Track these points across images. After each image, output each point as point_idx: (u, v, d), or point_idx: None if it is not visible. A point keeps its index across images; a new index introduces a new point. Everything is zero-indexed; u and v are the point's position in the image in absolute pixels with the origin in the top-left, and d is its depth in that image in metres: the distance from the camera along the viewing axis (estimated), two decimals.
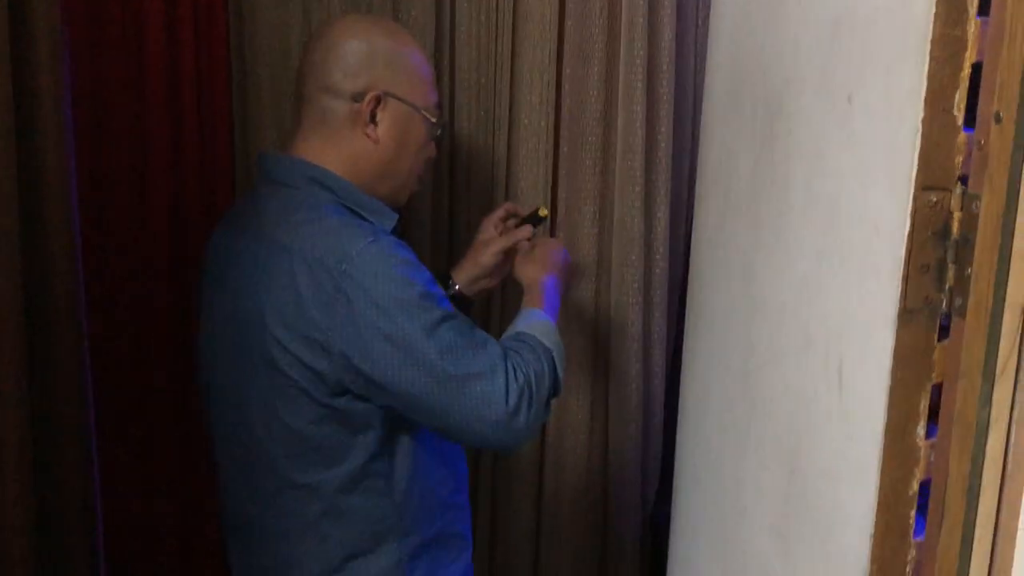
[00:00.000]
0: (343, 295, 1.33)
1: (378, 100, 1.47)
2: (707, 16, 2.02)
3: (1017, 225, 0.89)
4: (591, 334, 2.12)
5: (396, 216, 1.51)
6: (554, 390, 1.48)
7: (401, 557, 1.49)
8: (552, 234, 2.08)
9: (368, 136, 1.48)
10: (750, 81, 1.46)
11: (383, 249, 1.36)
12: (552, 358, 1.48)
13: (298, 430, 1.41)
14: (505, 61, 1.98)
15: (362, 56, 1.47)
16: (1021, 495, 0.92)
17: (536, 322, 1.53)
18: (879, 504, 1.03)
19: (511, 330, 1.53)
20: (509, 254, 1.77)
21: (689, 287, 1.77)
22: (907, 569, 1.04)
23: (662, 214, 2.10)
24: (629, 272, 2.07)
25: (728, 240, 1.53)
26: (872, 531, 1.04)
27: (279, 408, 1.40)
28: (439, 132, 1.59)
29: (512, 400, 1.37)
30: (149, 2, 1.84)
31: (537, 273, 1.68)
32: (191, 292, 1.85)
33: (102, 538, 1.72)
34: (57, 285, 1.57)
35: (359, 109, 1.47)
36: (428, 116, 1.54)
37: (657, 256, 2.10)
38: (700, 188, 1.72)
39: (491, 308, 2.10)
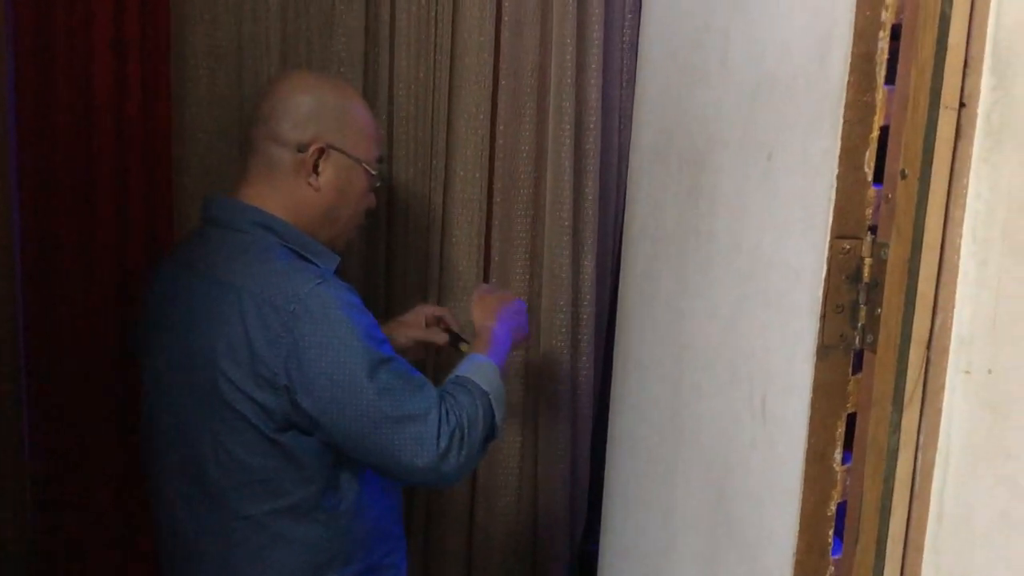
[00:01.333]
0: (290, 334, 1.38)
1: (321, 152, 1.54)
2: (631, 77, 2.14)
3: (921, 270, 0.98)
4: (522, 376, 2.19)
5: (338, 258, 1.58)
6: (491, 432, 1.53)
7: None
8: (486, 280, 2.15)
9: (310, 185, 1.54)
10: (676, 139, 1.56)
11: (330, 292, 1.42)
12: (489, 401, 1.53)
13: (246, 463, 1.45)
14: (442, 116, 2.06)
15: (309, 109, 1.55)
16: (927, 513, 1.00)
17: (477, 366, 1.59)
18: (800, 525, 1.12)
19: (453, 373, 1.59)
20: (418, 345, 1.87)
21: (617, 330, 1.85)
22: None
23: (589, 262, 2.18)
24: (558, 317, 2.15)
25: (655, 286, 1.62)
26: (794, 551, 1.13)
27: (228, 442, 1.44)
28: (379, 184, 1.67)
29: (443, 443, 1.42)
30: (96, 28, 1.88)
31: (489, 319, 1.75)
32: (130, 312, 1.89)
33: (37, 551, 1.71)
34: None
35: (303, 159, 1.53)
36: (369, 169, 1.61)
37: (584, 302, 2.19)
38: (628, 238, 1.81)
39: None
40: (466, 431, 1.46)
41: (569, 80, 2.08)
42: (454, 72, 2.05)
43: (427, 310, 1.90)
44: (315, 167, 1.54)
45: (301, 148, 1.53)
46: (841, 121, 1.05)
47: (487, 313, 1.78)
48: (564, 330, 2.17)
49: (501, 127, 2.09)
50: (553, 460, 2.20)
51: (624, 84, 2.20)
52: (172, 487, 1.56)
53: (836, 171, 1.05)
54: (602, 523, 1.90)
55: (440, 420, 1.43)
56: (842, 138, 1.05)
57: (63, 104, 1.88)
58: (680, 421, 1.48)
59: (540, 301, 2.18)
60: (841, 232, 1.06)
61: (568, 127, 2.10)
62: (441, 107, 2.06)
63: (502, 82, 2.08)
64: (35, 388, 1.90)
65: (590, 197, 2.16)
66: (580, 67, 2.10)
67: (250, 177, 1.56)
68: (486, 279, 2.15)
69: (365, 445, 1.42)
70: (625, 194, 1.91)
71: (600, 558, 1.92)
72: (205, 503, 1.50)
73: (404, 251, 2.11)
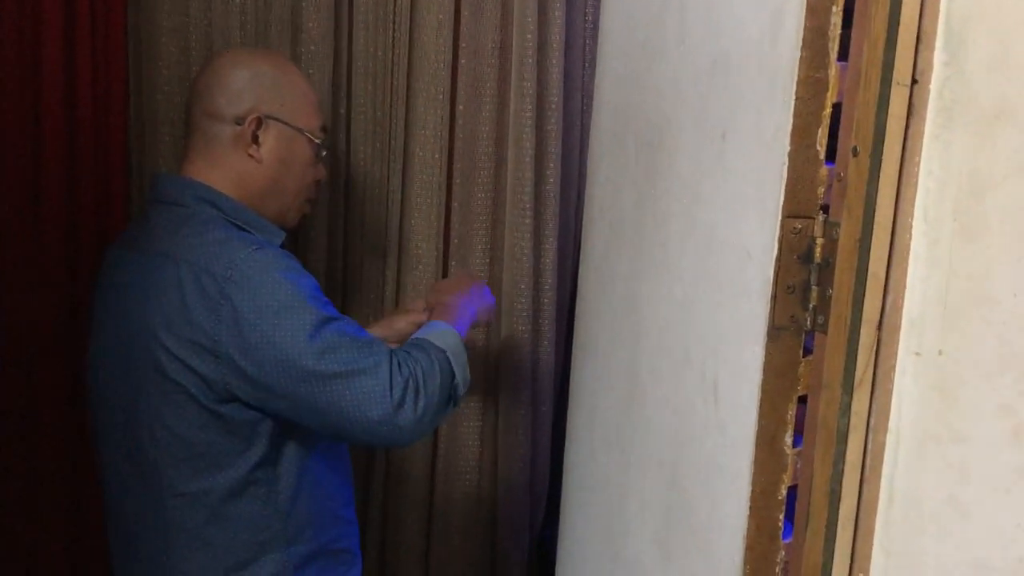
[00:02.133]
0: (228, 300, 1.37)
1: (259, 122, 1.54)
2: (594, 56, 2.12)
3: (872, 250, 0.97)
4: (482, 361, 2.17)
5: (283, 233, 1.57)
6: (452, 391, 1.52)
7: (285, 566, 1.51)
8: (445, 264, 2.13)
9: (251, 156, 1.54)
10: (633, 119, 1.54)
11: (267, 256, 1.41)
12: (447, 358, 1.51)
13: (184, 436, 1.43)
14: (400, 95, 2.04)
15: (244, 82, 1.55)
16: (878, 497, 0.99)
17: (433, 331, 1.58)
18: (751, 509, 1.11)
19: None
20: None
21: (577, 315, 1.83)
22: (777, 569, 1.12)
23: (550, 245, 2.17)
24: (519, 301, 2.13)
25: (613, 269, 1.60)
26: (744, 534, 1.12)
27: (166, 415, 1.42)
28: (324, 153, 1.66)
29: (396, 393, 1.40)
30: (46, 17, 1.84)
31: (444, 294, 1.75)
32: (81, 308, 1.87)
33: None
34: None
35: (241, 131, 1.53)
36: (312, 137, 1.61)
37: (546, 286, 2.17)
38: (587, 220, 1.79)
39: None
40: (421, 382, 1.44)
41: (530, 60, 2.06)
42: (412, 51, 2.03)
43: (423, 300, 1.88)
44: (255, 138, 1.54)
45: (239, 121, 1.53)
46: (793, 98, 1.03)
47: (442, 290, 1.79)
48: (525, 314, 2.15)
49: (461, 107, 2.07)
50: (513, 445, 2.19)
51: (587, 64, 2.18)
52: (112, 469, 1.54)
53: (788, 149, 1.03)
54: (561, 507, 1.88)
55: (391, 372, 1.41)
56: (794, 115, 1.03)
57: (11, 97, 1.84)
58: (636, 405, 1.46)
59: (501, 285, 2.15)
60: (793, 211, 1.04)
61: (530, 108, 2.08)
62: (399, 87, 2.04)
63: (462, 61, 2.05)
64: None
65: (552, 179, 2.14)
66: (542, 46, 2.08)
67: (192, 155, 1.55)
68: (446, 263, 2.13)
69: (316, 406, 1.40)
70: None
71: (559, 542, 1.91)
72: (142, 482, 1.48)
73: (361, 235, 2.08)
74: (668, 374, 1.34)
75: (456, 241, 2.13)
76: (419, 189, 2.07)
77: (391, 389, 1.40)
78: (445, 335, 1.57)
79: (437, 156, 2.06)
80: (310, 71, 1.95)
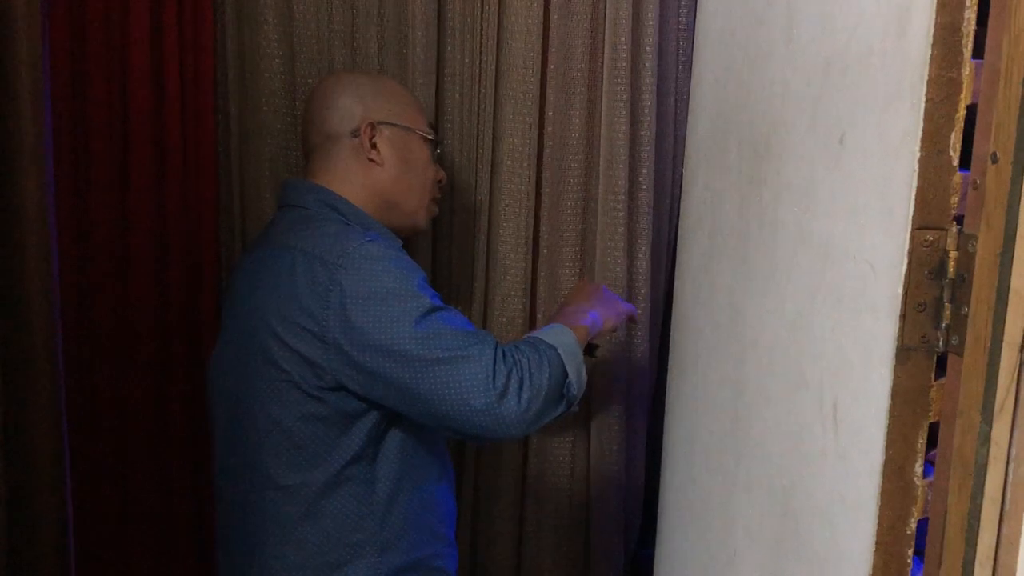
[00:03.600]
0: (337, 286, 1.39)
1: (373, 128, 1.60)
2: (688, 60, 2.05)
3: (1014, 264, 0.89)
4: None
5: (400, 241, 1.60)
6: (565, 389, 1.49)
7: (378, 574, 1.49)
8: (534, 274, 2.07)
9: (373, 161, 1.60)
10: (735, 123, 1.47)
11: (379, 246, 1.44)
12: (557, 355, 1.49)
13: (286, 427, 1.44)
14: (488, 103, 1.99)
15: (350, 97, 1.62)
16: (1020, 533, 0.91)
17: (546, 329, 1.57)
18: (877, 544, 1.03)
19: None
20: None
21: (673, 327, 1.76)
22: None
23: (643, 255, 2.10)
24: None
25: (714, 281, 1.53)
26: (870, 571, 1.04)
27: (270, 403, 1.45)
28: (439, 150, 1.71)
29: (499, 381, 1.39)
30: (134, 20, 1.86)
31: (568, 303, 1.75)
32: (170, 310, 1.93)
33: (74, 542, 1.68)
34: (32, 294, 1.56)
35: (359, 142, 1.60)
36: (424, 135, 1.66)
37: (639, 297, 2.10)
38: (684, 229, 1.72)
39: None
40: (526, 373, 1.43)
41: (624, 64, 1.99)
42: (501, 57, 1.98)
43: None
44: (372, 145, 1.59)
45: (354, 133, 1.61)
46: (923, 100, 0.95)
47: (567, 298, 1.80)
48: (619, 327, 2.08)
49: (550, 114, 2.01)
50: (606, 461, 2.12)
51: (680, 67, 2.10)
52: (220, 460, 1.59)
53: (918, 155, 0.96)
54: (658, 529, 1.82)
55: (495, 360, 1.41)
56: (924, 119, 0.95)
57: (100, 100, 1.86)
58: (742, 426, 1.39)
59: None
60: (923, 222, 0.96)
61: (623, 113, 2.01)
62: (487, 94, 1.99)
63: (551, 67, 1.99)
64: (74, 391, 1.88)
65: (645, 187, 2.08)
66: (634, 49, 2.01)
67: (316, 170, 1.61)
68: (534, 273, 2.07)
69: (419, 393, 1.39)
70: (681, 183, 1.83)
71: (656, 564, 1.84)
72: (244, 473, 1.51)
73: (449, 244, 2.04)
74: (780, 395, 1.26)
75: (545, 251, 2.07)
76: (507, 198, 2.02)
77: (494, 377, 1.39)
78: (558, 333, 1.55)
79: (525, 165, 2.01)
80: (420, 81, 1.92)
